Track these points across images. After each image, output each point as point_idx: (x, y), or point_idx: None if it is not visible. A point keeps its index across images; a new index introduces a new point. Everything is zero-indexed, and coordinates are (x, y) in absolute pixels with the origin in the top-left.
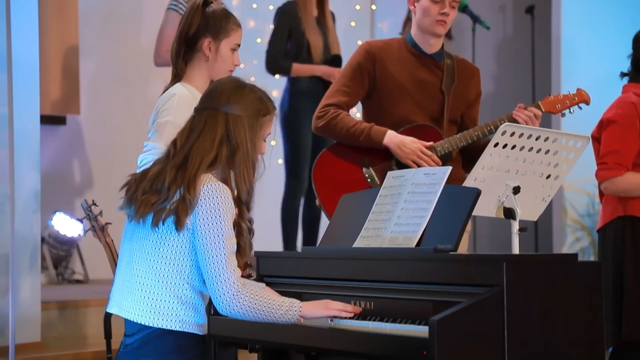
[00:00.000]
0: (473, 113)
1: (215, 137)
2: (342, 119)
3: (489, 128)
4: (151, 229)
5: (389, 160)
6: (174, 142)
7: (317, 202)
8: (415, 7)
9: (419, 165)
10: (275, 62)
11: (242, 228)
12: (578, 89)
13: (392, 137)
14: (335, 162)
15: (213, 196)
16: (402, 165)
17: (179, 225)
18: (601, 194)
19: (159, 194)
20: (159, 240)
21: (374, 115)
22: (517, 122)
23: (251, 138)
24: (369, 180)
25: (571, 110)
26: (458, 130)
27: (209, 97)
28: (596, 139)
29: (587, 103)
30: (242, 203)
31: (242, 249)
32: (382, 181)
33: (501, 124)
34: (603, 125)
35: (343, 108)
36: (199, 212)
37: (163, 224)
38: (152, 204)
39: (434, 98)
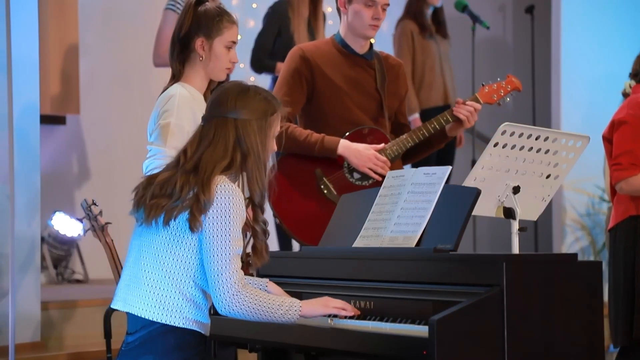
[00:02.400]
0: (403, 108)
1: (227, 145)
2: (292, 133)
3: (432, 126)
4: (162, 227)
5: (340, 168)
6: (184, 151)
7: (277, 220)
8: (346, 9)
9: (375, 172)
10: (259, 61)
11: (257, 231)
12: (508, 76)
13: (346, 147)
14: (287, 176)
15: (226, 197)
16: (353, 172)
17: (193, 224)
18: (612, 194)
19: (170, 197)
20: (170, 237)
21: (315, 120)
22: (459, 119)
23: (261, 140)
24: (325, 191)
25: (507, 99)
26: (392, 127)
27: (215, 105)
28: (607, 139)
29: (519, 90)
30: (256, 205)
31: (258, 252)
32: (337, 190)
33: (444, 121)
34: (614, 126)
35: (289, 119)
36: (210, 211)
37: (175, 220)
38: (163, 206)
39: (371, 98)
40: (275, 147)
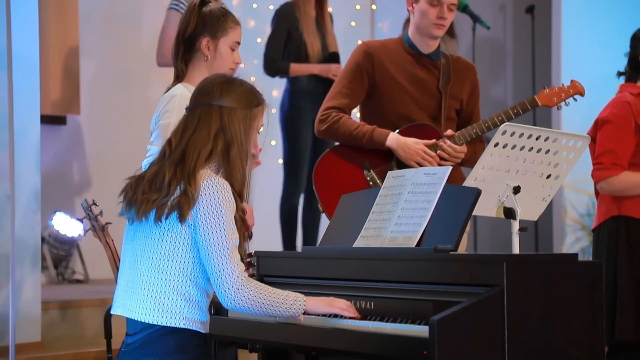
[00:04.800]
0: (469, 109)
1: (210, 130)
2: (344, 122)
3: (487, 125)
4: (154, 224)
5: (389, 162)
6: (169, 142)
7: (320, 207)
8: (413, 8)
9: (422, 166)
10: (273, 64)
11: (236, 219)
12: (572, 81)
13: (395, 139)
14: (336, 165)
15: (214, 191)
16: (402, 167)
17: (181, 218)
18: (597, 194)
19: (160, 191)
20: (161, 237)
21: (374, 115)
22: (508, 117)
23: (245, 129)
24: (370, 183)
25: (567, 103)
26: (458, 127)
27: (200, 94)
28: (592, 138)
29: (582, 94)
30: (236, 194)
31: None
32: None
33: (498, 120)
34: (598, 125)
35: (344, 110)
36: (200, 207)
37: (166, 219)
38: (154, 200)
39: (432, 96)
40: (258, 143)
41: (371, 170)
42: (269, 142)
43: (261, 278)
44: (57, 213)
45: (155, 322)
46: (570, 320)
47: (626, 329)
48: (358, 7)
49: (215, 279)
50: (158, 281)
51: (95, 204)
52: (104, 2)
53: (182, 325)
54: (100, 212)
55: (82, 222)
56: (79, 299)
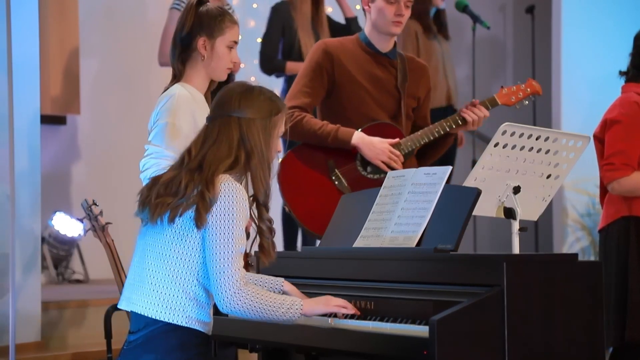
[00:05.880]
0: (424, 110)
1: (231, 144)
2: (307, 122)
3: (448, 124)
4: (168, 225)
5: (352, 161)
6: (189, 150)
7: (287, 208)
8: (370, 7)
9: (388, 165)
10: (269, 62)
11: (263, 229)
12: (528, 80)
13: (360, 138)
14: (300, 166)
15: (229, 195)
16: (366, 165)
17: (199, 222)
18: (602, 194)
19: (175, 195)
20: (174, 235)
21: (334, 114)
22: (465, 120)
23: (265, 139)
24: (336, 182)
25: (525, 102)
26: (412, 126)
27: (219, 105)
28: (599, 139)
29: (539, 94)
30: (261, 204)
31: (265, 250)
32: (349, 182)
33: (459, 119)
34: (607, 125)
35: (306, 110)
36: (214, 209)
37: (180, 217)
38: (168, 204)
39: (390, 95)
40: (280, 148)
41: (336, 170)
42: None
43: None
44: (57, 213)
45: (157, 318)
46: (570, 320)
47: (636, 329)
48: (358, 7)
49: (215, 280)
50: (165, 277)
51: (95, 204)
52: (104, 2)
53: (184, 324)
54: (100, 212)
55: (82, 222)
56: (79, 299)
